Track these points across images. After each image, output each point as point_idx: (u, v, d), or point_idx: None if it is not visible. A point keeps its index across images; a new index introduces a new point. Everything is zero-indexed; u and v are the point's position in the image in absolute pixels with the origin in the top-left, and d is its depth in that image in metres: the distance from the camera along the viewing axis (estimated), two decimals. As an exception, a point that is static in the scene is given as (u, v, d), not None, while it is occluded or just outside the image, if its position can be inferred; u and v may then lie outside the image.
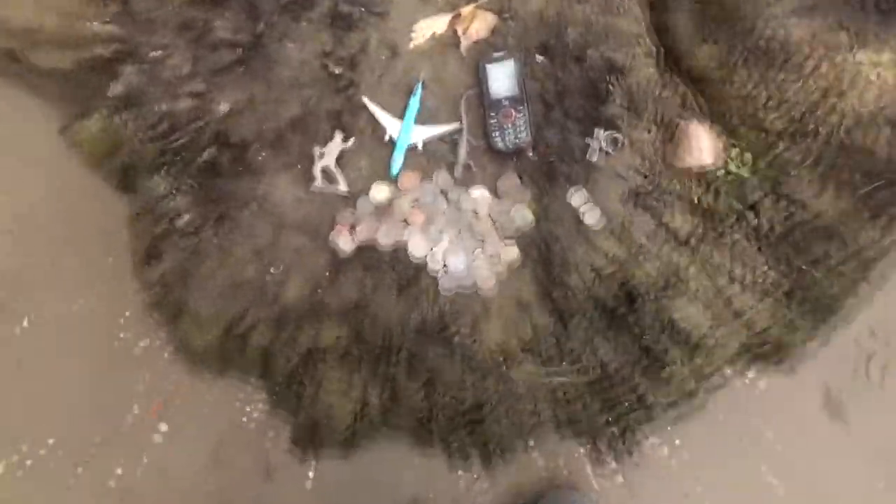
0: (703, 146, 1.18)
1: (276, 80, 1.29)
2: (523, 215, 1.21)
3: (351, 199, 1.27)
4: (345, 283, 1.23)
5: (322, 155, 1.28)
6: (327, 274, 1.24)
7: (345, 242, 1.24)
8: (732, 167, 1.18)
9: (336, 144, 1.28)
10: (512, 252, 1.21)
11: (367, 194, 1.27)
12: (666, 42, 1.21)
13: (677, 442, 1.30)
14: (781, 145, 1.15)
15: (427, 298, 1.20)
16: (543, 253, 1.19)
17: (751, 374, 1.42)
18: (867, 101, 1.08)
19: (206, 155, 1.26)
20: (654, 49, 1.21)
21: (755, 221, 1.18)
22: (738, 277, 1.18)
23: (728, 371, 1.30)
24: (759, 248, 1.19)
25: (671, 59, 1.21)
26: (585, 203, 1.18)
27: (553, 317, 1.21)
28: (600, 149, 1.17)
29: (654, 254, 1.17)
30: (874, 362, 1.41)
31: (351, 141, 1.28)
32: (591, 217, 1.17)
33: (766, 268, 1.19)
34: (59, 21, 1.28)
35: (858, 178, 1.13)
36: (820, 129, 1.11)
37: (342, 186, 1.27)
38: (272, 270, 1.26)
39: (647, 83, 1.19)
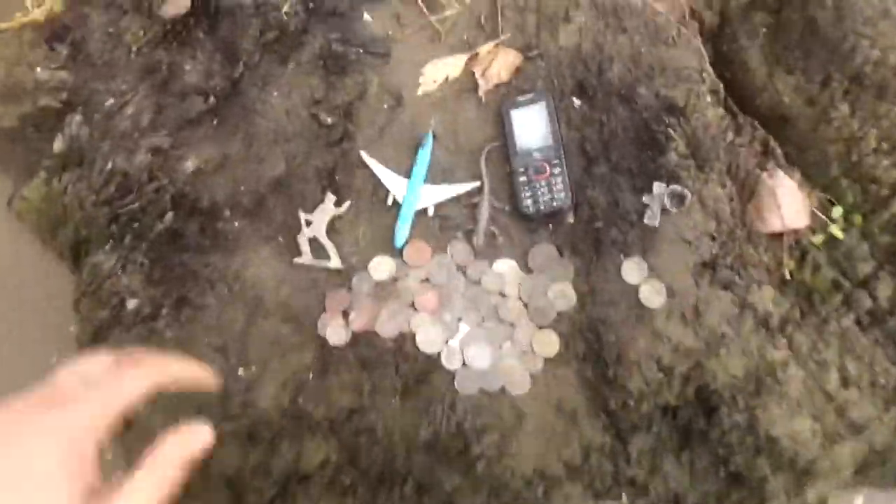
0: (792, 204, 0.91)
1: (255, 134, 1.05)
2: (565, 295, 0.94)
3: (345, 277, 1.00)
4: (335, 386, 0.94)
5: (310, 223, 1.03)
6: (311, 375, 0.96)
7: (336, 332, 0.97)
8: (835, 231, 0.90)
9: (327, 209, 1.03)
10: (551, 344, 0.92)
11: (365, 270, 1.00)
12: (735, 78, 0.97)
13: None
14: (901, 201, 0.87)
15: (441, 406, 0.91)
16: (593, 345, 0.90)
17: (858, 501, 1.10)
18: None
19: (164, 222, 1.01)
20: (720, 85, 0.96)
21: (869, 303, 0.89)
22: (853, 378, 0.89)
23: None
24: (877, 340, 0.89)
25: (743, 99, 0.96)
26: (645, 279, 0.90)
27: (608, 433, 0.90)
28: (662, 208, 0.90)
29: (738, 346, 0.88)
30: None
31: (345, 205, 1.03)
32: (654, 297, 0.89)
33: (888, 364, 0.89)
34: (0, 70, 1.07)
35: None
36: (955, 178, 0.84)
37: (334, 261, 1.01)
38: (241, 372, 0.97)
39: (715, 127, 0.93)
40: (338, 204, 1.04)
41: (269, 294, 1.02)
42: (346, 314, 0.99)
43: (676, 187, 0.92)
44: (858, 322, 0.91)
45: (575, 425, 0.91)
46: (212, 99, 1.08)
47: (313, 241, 1.03)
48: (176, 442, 0.51)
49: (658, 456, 0.92)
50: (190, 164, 1.04)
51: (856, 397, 0.88)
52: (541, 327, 0.94)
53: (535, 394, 0.92)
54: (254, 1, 1.09)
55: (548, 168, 0.98)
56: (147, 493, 0.48)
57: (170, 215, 1.01)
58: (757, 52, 0.95)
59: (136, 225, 1.01)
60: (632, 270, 0.92)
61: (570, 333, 0.93)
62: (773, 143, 0.95)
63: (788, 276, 0.94)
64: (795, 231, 0.93)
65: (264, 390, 0.97)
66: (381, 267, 1.01)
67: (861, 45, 0.87)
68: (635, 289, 0.91)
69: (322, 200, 1.05)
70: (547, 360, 0.93)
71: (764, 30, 0.94)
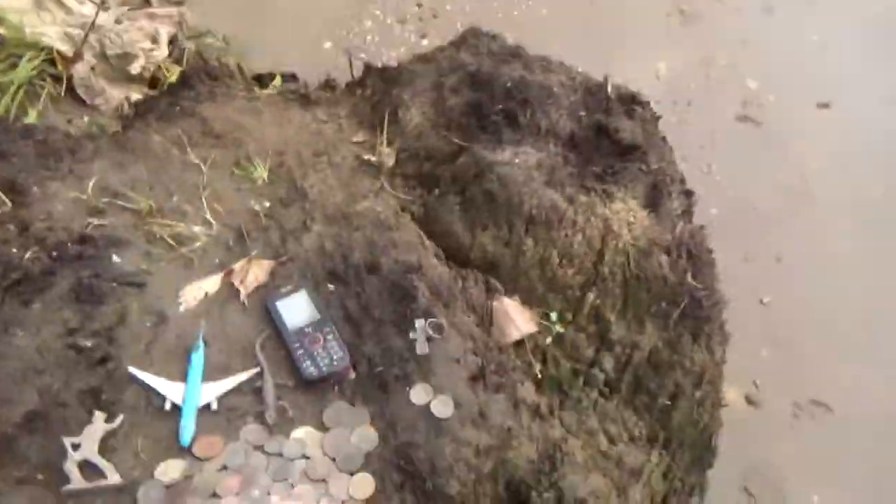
0: (521, 316, 1.15)
1: (-1, 376, 0.97)
2: (367, 437, 0.98)
3: (128, 493, 0.91)
4: None
5: (77, 446, 0.94)
6: None
7: (127, 549, 0.85)
8: (558, 328, 1.14)
9: (97, 428, 0.96)
10: (367, 485, 0.94)
11: (151, 479, 0.93)
12: (449, 245, 1.24)
13: None
14: (591, 295, 1.16)
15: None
16: (407, 470, 0.95)
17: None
18: (638, 237, 1.19)
19: None
20: (439, 251, 1.22)
21: (602, 376, 1.12)
22: (616, 436, 1.06)
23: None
24: (621, 403, 1.10)
25: (460, 257, 1.23)
26: (433, 396, 1.01)
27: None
28: (427, 338, 1.06)
29: (525, 434, 1.01)
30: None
31: (118, 419, 0.98)
32: (444, 408, 1.00)
33: (635, 418, 1.09)
34: None
35: (665, 306, 1.17)
36: (615, 268, 1.17)
37: (112, 478, 0.92)
38: None
39: (447, 278, 1.16)
40: (109, 420, 0.98)
41: (30, 547, 0.86)
42: (137, 531, 0.88)
43: (433, 319, 1.09)
44: (601, 393, 1.12)
45: (413, 555, 0.89)
46: (-60, 349, 0.99)
47: (84, 466, 0.93)
48: None
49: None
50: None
51: (624, 449, 1.04)
52: (352, 473, 0.95)
53: (365, 539, 0.90)
54: (-9, 250, 1.09)
55: (321, 336, 1.08)
56: None
57: None
58: (459, 222, 1.24)
59: None
60: (419, 394, 1.02)
61: (383, 469, 0.96)
62: (492, 280, 1.20)
63: (539, 375, 1.12)
64: (532, 336, 1.14)
65: None
66: (171, 469, 0.95)
67: (524, 198, 1.21)
68: (426, 407, 1.00)
69: (90, 421, 0.98)
70: (367, 502, 0.93)
71: (457, 206, 1.25)
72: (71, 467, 0.91)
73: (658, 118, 1.41)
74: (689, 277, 1.18)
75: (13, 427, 0.94)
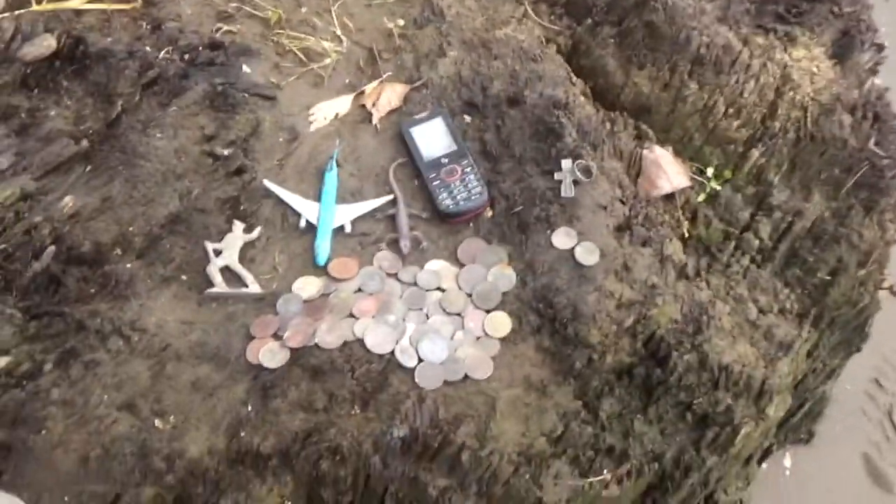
0: (674, 168, 1.04)
1: (140, 176, 0.97)
2: (505, 276, 0.94)
3: (267, 304, 0.91)
4: (283, 409, 0.82)
5: (219, 252, 0.93)
6: (250, 407, 0.82)
7: (271, 353, 0.86)
8: (713, 184, 1.04)
9: (237, 237, 0.95)
10: (503, 324, 0.91)
11: (289, 292, 0.92)
12: (598, 84, 1.12)
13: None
14: (755, 153, 1.04)
15: (411, 402, 0.82)
16: (546, 314, 0.90)
17: (787, 461, 1.17)
18: (821, 91, 1.03)
19: (37, 266, 0.85)
20: (588, 88, 1.10)
21: (757, 242, 1.02)
22: (766, 307, 0.98)
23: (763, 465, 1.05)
24: (774, 272, 1.01)
25: (610, 99, 1.11)
26: (576, 241, 0.94)
27: (579, 399, 0.88)
28: (574, 181, 0.97)
29: (670, 293, 0.94)
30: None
31: (256, 231, 0.96)
32: (589, 256, 0.93)
33: (787, 290, 1.00)
34: None
35: (837, 173, 1.04)
36: (787, 125, 1.03)
37: (253, 287, 0.91)
38: (158, 423, 0.81)
39: (595, 119, 1.05)
40: (247, 231, 0.97)
41: (177, 340, 0.88)
42: (277, 337, 0.88)
43: (581, 161, 1.00)
44: (753, 261, 1.03)
45: (547, 396, 0.87)
46: (84, 142, 0.98)
47: (225, 272, 0.93)
48: None
49: (626, 418, 0.91)
50: (67, 203, 0.91)
51: (774, 321, 0.97)
52: (489, 311, 0.92)
53: (500, 375, 0.88)
54: (126, 46, 1.04)
55: (458, 169, 1.01)
56: None
57: (47, 255, 0.86)
58: (611, 58, 1.11)
59: (3, 271, 0.84)
60: (562, 238, 0.96)
61: (520, 309, 0.92)
62: (644, 126, 1.09)
63: (687, 234, 1.04)
64: (683, 191, 1.05)
65: (192, 436, 0.81)
66: (308, 286, 0.94)
67: (693, 35, 1.06)
68: (570, 253, 0.94)
69: (230, 229, 0.96)
70: (503, 341, 0.90)
71: (612, 40, 1.12)
72: (214, 271, 0.91)
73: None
74: (871, 143, 1.04)
75: (158, 227, 0.94)
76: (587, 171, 0.99)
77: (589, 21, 1.14)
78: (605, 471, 0.88)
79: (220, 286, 0.90)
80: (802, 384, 1.06)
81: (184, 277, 0.92)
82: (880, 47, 1.17)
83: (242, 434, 0.80)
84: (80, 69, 1.01)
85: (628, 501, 0.92)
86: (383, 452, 0.80)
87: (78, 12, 1.09)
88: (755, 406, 0.91)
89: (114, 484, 0.77)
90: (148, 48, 1.07)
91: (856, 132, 1.04)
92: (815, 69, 1.04)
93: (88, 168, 0.97)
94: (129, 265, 0.91)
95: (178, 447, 0.79)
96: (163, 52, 1.06)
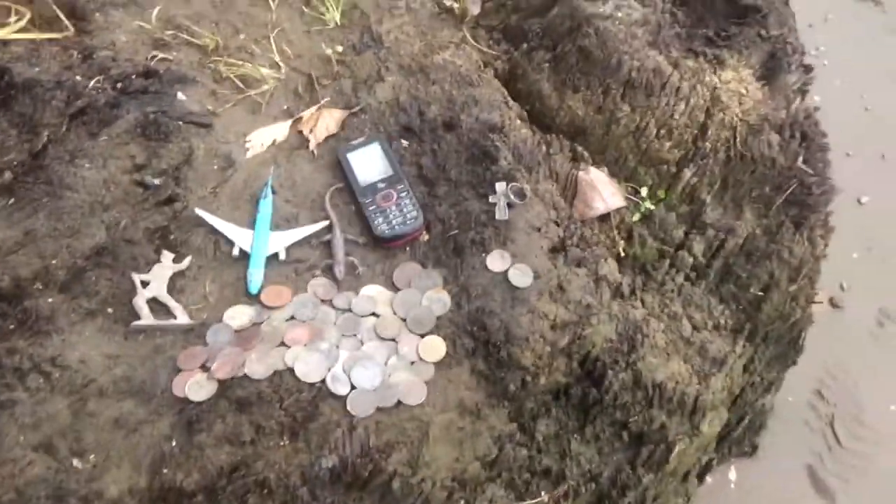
0: (608, 189, 1.05)
1: (66, 208, 0.94)
2: (440, 300, 0.93)
3: (196, 335, 0.89)
4: (208, 443, 0.80)
5: (146, 283, 0.91)
6: (174, 442, 0.80)
7: (197, 388, 0.84)
8: (648, 205, 1.05)
9: (165, 267, 0.93)
10: (437, 348, 0.90)
11: (219, 323, 0.90)
12: (534, 107, 1.13)
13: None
14: (687, 172, 1.06)
15: (341, 431, 0.81)
16: (480, 336, 0.90)
17: (732, 475, 1.18)
18: (749, 112, 1.06)
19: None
20: (524, 112, 1.11)
21: (691, 260, 1.03)
22: (700, 324, 0.99)
23: (708, 479, 1.06)
24: (708, 289, 1.02)
25: (545, 122, 1.12)
26: (510, 264, 0.94)
27: (514, 422, 0.88)
28: (508, 203, 0.98)
29: (605, 312, 0.94)
30: (837, 424, 1.25)
31: (186, 261, 0.95)
32: (522, 277, 0.94)
33: (722, 306, 1.01)
34: None
35: (768, 191, 1.06)
36: (718, 145, 1.05)
37: (181, 318, 0.89)
38: (77, 462, 0.78)
39: (531, 142, 1.06)
40: (177, 261, 0.95)
41: (101, 375, 0.86)
42: (205, 369, 0.87)
43: (515, 184, 1.00)
44: (688, 278, 1.04)
45: (481, 420, 0.87)
46: (7, 174, 0.96)
47: (153, 303, 0.91)
48: None
49: (563, 439, 0.90)
50: (-14, 237, 0.89)
51: (708, 337, 0.97)
52: (423, 335, 0.91)
53: (434, 400, 0.87)
54: (54, 76, 1.03)
55: (394, 194, 1.01)
56: None
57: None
58: (546, 82, 1.13)
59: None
60: (496, 261, 0.96)
61: (454, 333, 0.92)
62: (579, 148, 1.10)
63: (623, 254, 1.05)
64: (618, 211, 1.06)
65: (113, 476, 0.78)
66: (239, 315, 0.92)
67: (624, 59, 1.08)
68: (504, 275, 0.94)
69: (158, 260, 0.95)
70: (437, 365, 0.89)
71: (547, 64, 1.13)
72: (140, 303, 0.89)
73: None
74: (800, 161, 1.06)
75: (83, 259, 0.92)
76: (521, 194, 0.99)
77: (525, 46, 1.15)
78: (542, 493, 0.87)
79: (146, 318, 0.89)
80: (741, 398, 1.07)
81: (109, 310, 0.90)
82: (808, 68, 1.20)
83: (165, 471, 0.77)
84: (4, 100, 0.99)
85: (567, 524, 0.91)
86: (311, 484, 0.78)
87: (5, 42, 1.07)
88: (689, 422, 0.91)
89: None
90: (78, 77, 1.05)
91: (784, 151, 1.06)
92: (743, 91, 1.07)
93: (11, 201, 0.95)
94: (50, 299, 0.88)
95: (97, 487, 0.76)
96: (93, 81, 1.05)
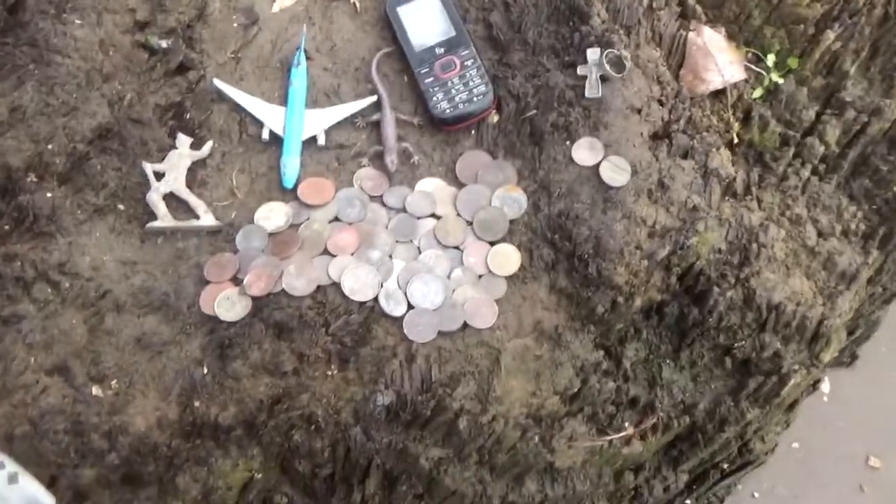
0: (726, 58, 0.83)
1: (58, 77, 0.76)
2: (513, 200, 0.76)
3: (224, 238, 0.74)
4: (244, 373, 0.68)
5: (161, 175, 0.75)
6: (206, 369, 0.68)
7: (229, 304, 0.70)
8: (774, 77, 0.83)
9: (183, 154, 0.76)
10: (510, 259, 0.74)
11: (250, 223, 0.75)
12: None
13: None
14: (830, 34, 0.82)
15: (397, 362, 0.68)
16: (563, 247, 0.74)
17: (825, 387, 1.05)
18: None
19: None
20: (623, -48, 0.86)
21: (821, 148, 0.83)
22: (826, 229, 0.81)
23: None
24: (839, 185, 0.83)
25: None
26: (602, 155, 0.75)
27: (600, 350, 0.74)
28: (601, 77, 0.77)
29: (714, 216, 0.76)
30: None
31: (207, 146, 0.78)
32: (618, 174, 0.75)
33: (854, 208, 0.82)
34: None
35: (931, 61, 0.82)
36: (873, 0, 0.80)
37: (205, 219, 0.74)
38: (96, 391, 0.67)
39: (629, -7, 0.82)
40: (196, 146, 0.78)
41: (117, 286, 0.73)
42: (236, 281, 0.73)
43: (612, 51, 0.79)
44: (815, 171, 0.84)
45: (562, 347, 0.73)
46: (-18, 37, 0.77)
47: (170, 200, 0.76)
48: None
49: (653, 364, 0.77)
50: (-38, 120, 0.73)
51: (836, 246, 0.80)
52: (493, 243, 0.75)
53: (506, 322, 0.73)
54: None
55: (457, 62, 0.81)
56: None
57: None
58: None
59: None
60: (585, 152, 0.77)
61: (531, 242, 0.75)
62: (690, 2, 0.86)
63: (737, 139, 0.84)
64: (735, 85, 0.84)
65: (137, 407, 0.67)
66: (273, 214, 0.77)
67: None
68: (594, 169, 0.76)
69: (173, 145, 0.78)
70: (509, 280, 0.74)
71: None
72: (156, 199, 0.74)
73: None
74: (980, 22, 0.81)
75: (84, 144, 0.76)
76: (619, 64, 0.78)
77: None
78: (626, 423, 0.75)
79: (164, 218, 0.74)
80: (857, 312, 0.91)
81: (121, 207, 0.76)
82: None
83: (197, 404, 0.66)
84: (-34, -65, 0.79)
85: (650, 454, 0.81)
86: (365, 422, 0.67)
87: None
88: (808, 350, 0.76)
89: (47, 466, 0.64)
90: None
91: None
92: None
93: (-9, 69, 0.77)
94: (49, 194, 0.74)
95: (121, 421, 0.66)
96: (76, -89, 0.82)
